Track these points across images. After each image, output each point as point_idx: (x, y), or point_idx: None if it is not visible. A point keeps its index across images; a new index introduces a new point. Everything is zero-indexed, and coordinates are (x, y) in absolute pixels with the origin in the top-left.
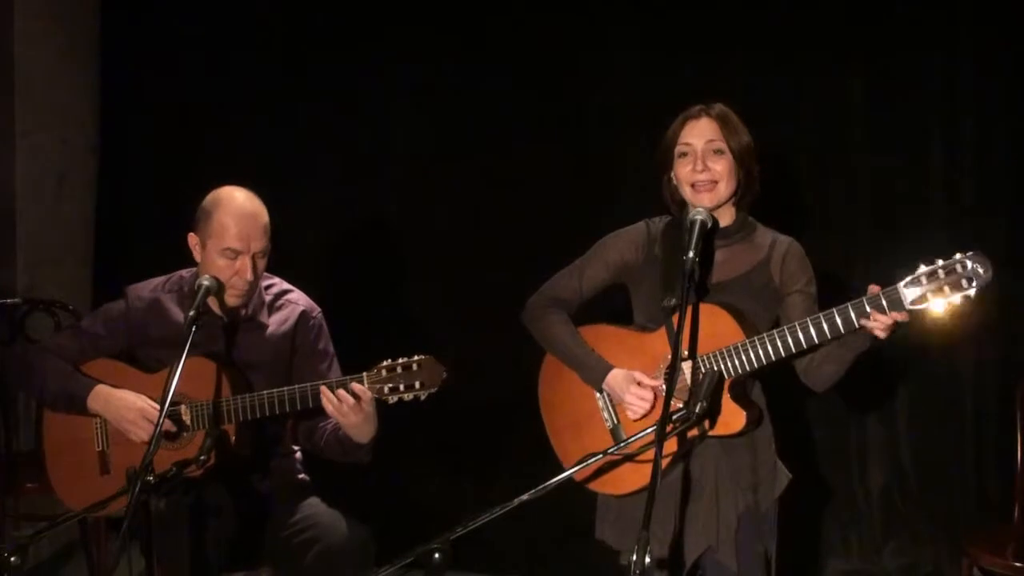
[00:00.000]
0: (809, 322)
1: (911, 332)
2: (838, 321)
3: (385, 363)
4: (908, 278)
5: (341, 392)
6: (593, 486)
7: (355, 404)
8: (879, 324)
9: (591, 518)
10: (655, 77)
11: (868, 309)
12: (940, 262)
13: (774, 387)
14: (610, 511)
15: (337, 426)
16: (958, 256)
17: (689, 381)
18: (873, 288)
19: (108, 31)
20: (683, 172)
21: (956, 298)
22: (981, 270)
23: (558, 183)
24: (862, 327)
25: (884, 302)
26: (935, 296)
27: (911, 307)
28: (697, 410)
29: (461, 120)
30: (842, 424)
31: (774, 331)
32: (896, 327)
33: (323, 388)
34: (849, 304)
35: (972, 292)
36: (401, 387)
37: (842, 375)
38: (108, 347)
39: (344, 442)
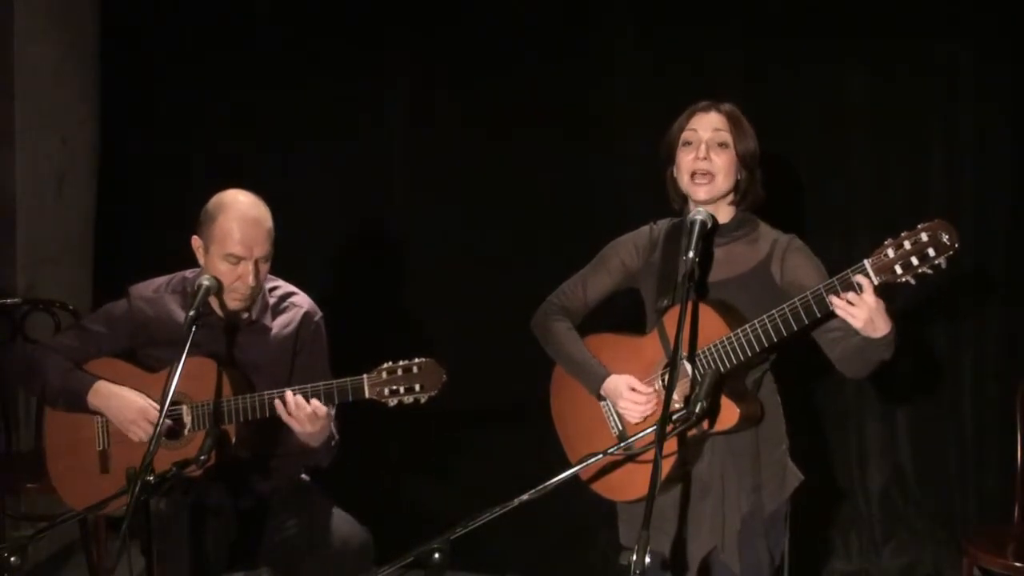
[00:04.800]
0: (786, 308)
1: (910, 332)
2: (812, 304)
3: (385, 365)
4: (874, 253)
5: (299, 400)
6: (611, 495)
7: (312, 415)
8: (841, 307)
9: (591, 518)
10: (656, 78)
11: (838, 288)
12: (904, 233)
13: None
14: (623, 512)
15: None
16: (921, 226)
17: (689, 381)
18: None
19: (108, 31)
20: (685, 160)
21: (924, 269)
22: (945, 238)
23: (560, 185)
24: (833, 305)
25: (852, 278)
26: (904, 270)
27: (880, 281)
28: (697, 409)
29: (463, 123)
30: (842, 424)
31: (755, 321)
32: (872, 312)
33: (287, 394)
34: (822, 285)
35: (941, 262)
36: (401, 390)
37: (871, 368)
38: (110, 346)
39: (301, 442)
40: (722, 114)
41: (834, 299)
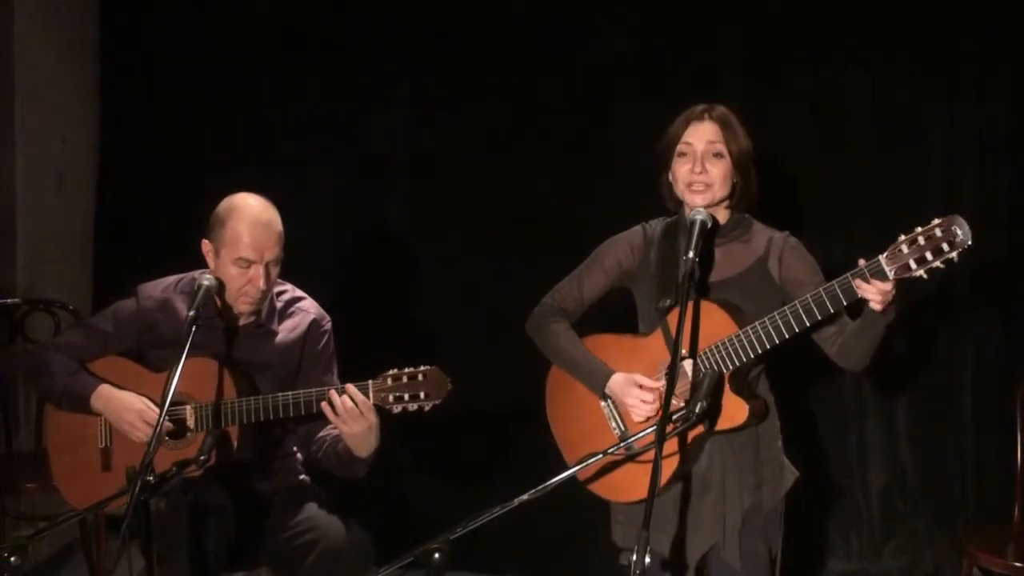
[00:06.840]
0: (798, 304)
1: (910, 330)
2: (826, 300)
3: (391, 372)
4: (889, 248)
5: (344, 398)
6: (611, 496)
7: (356, 411)
8: (870, 292)
9: (591, 518)
10: (656, 78)
11: (852, 283)
12: (919, 229)
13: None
14: (619, 512)
15: (337, 438)
16: (935, 221)
17: (690, 380)
18: (861, 262)
19: (108, 31)
20: (681, 172)
21: (938, 263)
22: (959, 231)
23: (563, 189)
24: (861, 297)
25: (867, 273)
26: (917, 264)
27: (895, 276)
28: (697, 409)
29: (466, 125)
30: (842, 424)
31: (765, 318)
32: (892, 298)
33: (331, 393)
34: (835, 281)
35: (954, 255)
36: (406, 397)
37: (872, 354)
38: (116, 345)
39: (342, 455)
40: (715, 122)
41: (858, 282)
